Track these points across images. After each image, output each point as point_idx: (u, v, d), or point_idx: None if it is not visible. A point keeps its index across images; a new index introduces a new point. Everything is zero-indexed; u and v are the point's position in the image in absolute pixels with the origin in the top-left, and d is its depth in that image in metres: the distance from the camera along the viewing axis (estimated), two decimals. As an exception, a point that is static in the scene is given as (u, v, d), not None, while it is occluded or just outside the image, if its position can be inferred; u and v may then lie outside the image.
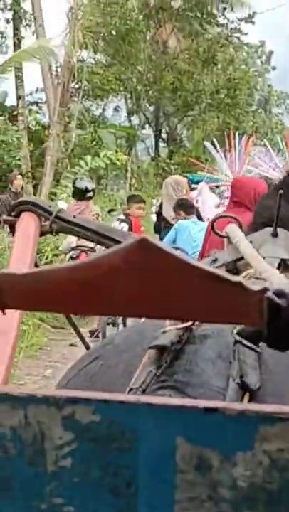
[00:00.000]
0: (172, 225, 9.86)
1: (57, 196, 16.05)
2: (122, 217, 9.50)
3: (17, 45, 23.26)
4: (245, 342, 1.09)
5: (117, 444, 0.62)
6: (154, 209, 11.06)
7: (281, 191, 1.76)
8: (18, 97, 22.66)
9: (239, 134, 12.47)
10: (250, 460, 0.61)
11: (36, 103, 25.66)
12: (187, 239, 7.81)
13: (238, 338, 1.10)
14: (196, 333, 1.14)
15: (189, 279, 0.75)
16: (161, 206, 10.29)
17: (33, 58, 19.09)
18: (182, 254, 0.76)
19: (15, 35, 23.79)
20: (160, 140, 29.18)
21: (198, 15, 26.05)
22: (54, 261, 9.98)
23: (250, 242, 1.72)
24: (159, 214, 10.39)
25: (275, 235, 1.72)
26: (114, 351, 1.24)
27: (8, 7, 23.75)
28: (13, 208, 1.99)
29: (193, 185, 11.76)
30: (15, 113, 22.84)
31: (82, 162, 16.65)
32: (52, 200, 16.73)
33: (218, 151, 11.58)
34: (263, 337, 0.79)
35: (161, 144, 29.35)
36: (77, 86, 23.86)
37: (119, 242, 1.93)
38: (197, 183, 11.45)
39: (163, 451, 0.62)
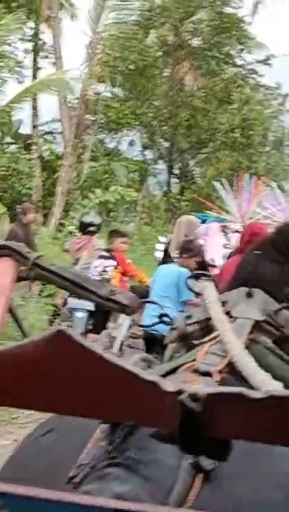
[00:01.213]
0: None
1: (65, 227, 16.08)
2: (105, 253, 9.44)
3: (34, 76, 23.50)
4: None
5: None
6: (158, 246, 10.99)
7: (259, 252, 1.74)
8: (33, 126, 22.82)
9: (250, 176, 12.47)
10: None
11: (51, 133, 25.82)
12: (171, 284, 7.79)
13: None
14: None
15: (103, 375, 0.72)
16: (169, 243, 10.27)
17: (50, 90, 19.24)
18: (98, 348, 0.72)
19: (33, 65, 24.05)
20: (172, 176, 29.24)
21: (216, 55, 26.26)
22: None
23: (225, 301, 1.70)
24: (166, 251, 10.35)
25: (250, 295, 1.69)
26: (69, 423, 1.20)
27: (28, 38, 23.98)
28: (-9, 251, 1.95)
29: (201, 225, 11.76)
30: (29, 142, 23.02)
31: (91, 195, 16.69)
32: (60, 231, 16.80)
33: (226, 191, 11.56)
34: (175, 440, 0.76)
35: (173, 180, 29.40)
36: (92, 118, 24.05)
37: (93, 293, 1.90)
38: (204, 221, 11.42)
39: None
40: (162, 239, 11.23)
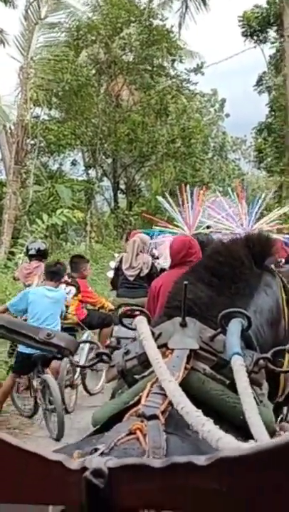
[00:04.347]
0: (129, 280, 9.86)
1: (15, 255, 15.96)
2: (67, 279, 9.42)
3: None
4: None
5: None
6: (112, 264, 11.00)
7: (186, 282, 1.74)
8: (-27, 157, 22.69)
9: (194, 184, 12.53)
10: None
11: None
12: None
13: None
14: None
15: (7, 458, 0.72)
16: (120, 261, 10.28)
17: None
18: (5, 435, 0.72)
19: None
20: (119, 191, 29.32)
21: (149, 67, 26.46)
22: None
23: (160, 334, 1.70)
24: (117, 269, 10.35)
25: (184, 325, 1.69)
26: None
27: None
28: None
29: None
30: None
31: (38, 220, 16.61)
32: (10, 259, 16.66)
33: (170, 205, 11.59)
34: None
35: (120, 195, 29.49)
36: (32, 142, 23.98)
37: (30, 338, 1.87)
38: (152, 237, 11.48)
39: None
40: (116, 255, 11.25)
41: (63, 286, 9.23)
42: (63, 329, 8.17)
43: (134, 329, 1.80)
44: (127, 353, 1.77)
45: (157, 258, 10.83)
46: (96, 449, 1.11)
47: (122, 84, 26.34)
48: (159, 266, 10.19)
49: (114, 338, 6.97)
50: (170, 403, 1.29)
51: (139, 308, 1.87)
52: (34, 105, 23.20)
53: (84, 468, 0.74)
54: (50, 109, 25.16)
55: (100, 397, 9.06)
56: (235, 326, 1.63)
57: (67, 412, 8.42)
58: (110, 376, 1.82)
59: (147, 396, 1.35)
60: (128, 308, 2.02)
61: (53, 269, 8.61)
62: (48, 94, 23.19)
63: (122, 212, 26.86)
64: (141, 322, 1.75)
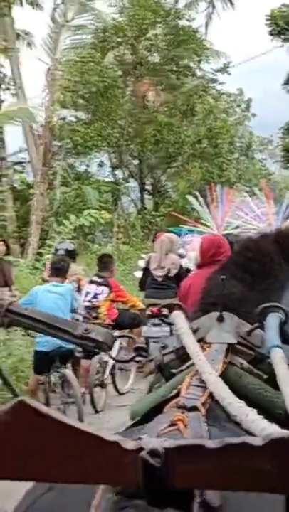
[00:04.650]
0: (157, 281, 9.88)
1: (43, 256, 16.05)
2: (97, 279, 9.45)
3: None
4: None
5: None
6: (141, 263, 11.03)
7: (223, 276, 1.75)
8: (1, 159, 22.80)
9: (221, 185, 12.52)
10: None
11: (20, 163, 25.81)
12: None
13: None
14: None
15: (65, 439, 0.74)
16: (148, 262, 10.31)
17: (13, 121, 19.25)
18: (60, 415, 0.73)
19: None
20: (145, 192, 29.33)
21: (175, 68, 26.44)
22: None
23: (198, 328, 1.71)
24: (145, 269, 10.37)
25: (220, 319, 1.70)
26: None
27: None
28: None
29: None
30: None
31: (66, 221, 16.69)
32: (38, 260, 16.76)
33: (200, 204, 11.60)
34: (142, 495, 0.79)
35: (147, 196, 29.49)
36: (59, 144, 24.09)
37: (68, 333, 1.90)
38: (179, 235, 11.51)
39: None
40: (143, 256, 11.27)
41: (94, 286, 9.28)
42: None
43: (170, 323, 1.80)
44: (164, 347, 1.77)
45: (184, 257, 10.85)
46: (139, 439, 1.13)
47: (148, 85, 26.35)
48: (184, 266, 10.21)
49: (144, 338, 7.03)
50: (210, 395, 1.30)
51: (176, 302, 1.88)
52: (61, 107, 23.31)
53: (140, 449, 0.75)
54: (76, 110, 25.24)
55: (130, 396, 9.09)
56: (273, 320, 1.63)
57: (96, 411, 8.47)
58: (148, 370, 1.84)
59: (187, 388, 1.36)
60: (157, 308, 2.03)
61: (57, 265, 8.74)
62: (74, 95, 23.30)
63: (149, 213, 26.87)
64: (178, 316, 1.76)
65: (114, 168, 28.28)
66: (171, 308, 1.88)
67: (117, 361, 8.64)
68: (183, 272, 9.83)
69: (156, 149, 26.95)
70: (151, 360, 1.83)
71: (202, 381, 1.35)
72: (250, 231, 9.69)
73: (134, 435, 1.18)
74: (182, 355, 1.66)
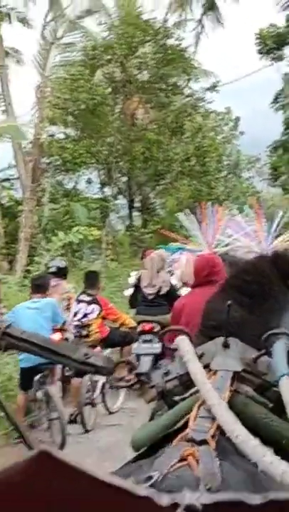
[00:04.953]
0: (148, 299, 9.84)
1: (31, 273, 15.96)
2: (85, 298, 9.38)
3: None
4: None
5: None
6: (131, 280, 10.99)
7: (230, 302, 1.72)
8: (-11, 176, 22.78)
9: (212, 203, 12.51)
10: None
11: (8, 180, 25.73)
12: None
13: None
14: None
15: (93, 493, 0.67)
16: (139, 280, 10.27)
17: (2, 137, 19.24)
18: (85, 466, 0.67)
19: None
20: (134, 209, 29.33)
21: (164, 86, 26.50)
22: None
23: (202, 354, 1.67)
24: (136, 287, 10.33)
25: (226, 345, 1.67)
26: None
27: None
28: None
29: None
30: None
31: (54, 238, 16.63)
32: (26, 277, 16.67)
33: (190, 221, 11.58)
34: None
35: (135, 213, 29.49)
36: (48, 161, 24.07)
37: (68, 358, 1.86)
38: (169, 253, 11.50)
39: None
40: (133, 273, 11.23)
41: (83, 305, 9.22)
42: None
43: (174, 349, 1.76)
44: (167, 373, 1.74)
45: (172, 275, 10.84)
46: (150, 477, 1.09)
47: (138, 103, 26.42)
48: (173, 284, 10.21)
49: (134, 355, 7.02)
50: (218, 427, 1.26)
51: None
52: (50, 124, 23.32)
53: (175, 505, 0.69)
54: (65, 127, 25.25)
55: (120, 415, 9.02)
56: (280, 347, 1.61)
57: (86, 430, 8.40)
58: (149, 397, 1.80)
59: (194, 419, 1.32)
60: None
61: (37, 282, 8.73)
62: (63, 112, 23.31)
63: (137, 230, 26.84)
64: (183, 341, 1.73)
65: (102, 185, 28.27)
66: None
67: (121, 387, 8.60)
68: (174, 290, 9.81)
69: (145, 167, 26.97)
70: (152, 387, 1.79)
71: (210, 411, 1.32)
72: (240, 249, 9.69)
73: (144, 471, 1.15)
74: (186, 382, 1.63)
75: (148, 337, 9.51)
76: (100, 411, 9.10)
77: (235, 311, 1.89)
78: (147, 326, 9.69)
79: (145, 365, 9.07)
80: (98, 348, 8.81)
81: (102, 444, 7.73)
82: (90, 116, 24.11)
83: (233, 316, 1.86)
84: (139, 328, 9.70)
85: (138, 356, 9.38)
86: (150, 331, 9.64)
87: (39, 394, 7.90)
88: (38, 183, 22.01)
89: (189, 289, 10.71)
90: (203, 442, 1.22)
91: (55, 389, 7.90)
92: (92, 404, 8.78)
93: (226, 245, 10.33)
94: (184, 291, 10.44)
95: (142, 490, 0.67)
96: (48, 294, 8.57)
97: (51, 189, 23.66)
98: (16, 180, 24.75)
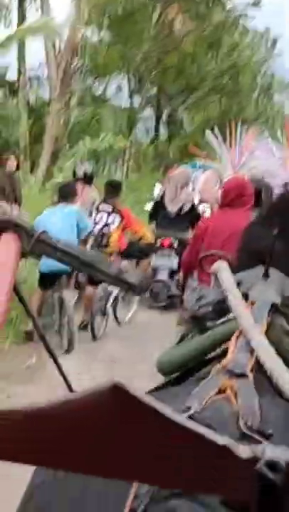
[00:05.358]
0: (170, 215, 9.80)
1: (52, 177, 15.91)
2: (107, 208, 9.30)
3: (21, 20, 22.92)
4: (256, 436, 1.00)
5: None
6: (156, 191, 10.90)
7: (276, 231, 1.67)
8: (20, 72, 22.41)
9: (241, 124, 12.30)
10: None
11: (38, 78, 25.36)
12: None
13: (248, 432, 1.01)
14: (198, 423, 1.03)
15: (167, 436, 0.63)
16: (162, 196, 10.20)
17: (37, 34, 18.87)
18: (161, 404, 0.63)
19: (19, 10, 23.43)
20: (161, 122, 28.93)
21: (205, -4, 25.75)
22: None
23: (240, 281, 1.63)
24: (158, 203, 10.24)
25: (266, 275, 1.62)
26: None
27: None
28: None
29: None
30: (15, 88, 22.66)
31: (80, 143, 16.49)
32: (47, 181, 16.63)
33: (218, 140, 11.42)
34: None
35: (161, 126, 29.11)
36: (80, 63, 23.64)
37: (102, 272, 1.83)
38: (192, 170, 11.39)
39: None
40: (158, 185, 11.12)
41: (103, 214, 9.17)
42: None
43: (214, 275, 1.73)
44: (200, 298, 1.71)
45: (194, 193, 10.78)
46: (188, 407, 1.07)
47: (177, 11, 25.67)
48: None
49: (151, 269, 7.07)
50: (257, 361, 1.24)
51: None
52: (86, 25, 22.79)
53: (255, 459, 0.63)
54: (100, 30, 24.71)
55: (129, 327, 9.10)
56: None
57: (94, 339, 8.50)
58: (181, 320, 1.78)
59: (233, 351, 1.30)
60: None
61: (65, 189, 8.66)
62: (101, 15, 22.77)
63: (162, 144, 26.56)
64: (223, 269, 1.69)
65: (131, 94, 27.81)
66: (181, 242, 1.82)
67: (158, 304, 8.77)
68: (195, 209, 9.77)
69: (176, 79, 26.45)
70: (185, 310, 1.77)
71: (249, 344, 1.29)
72: (266, 173, 9.55)
73: (181, 400, 1.12)
74: (219, 310, 1.60)
75: (166, 252, 9.54)
76: (111, 322, 9.16)
77: (278, 240, 1.85)
78: (166, 242, 9.70)
79: (162, 276, 9.17)
80: (115, 258, 8.85)
81: (110, 354, 7.83)
82: (127, 21, 23.54)
83: (274, 246, 1.82)
84: (158, 243, 9.71)
85: (155, 270, 9.43)
86: (168, 247, 9.67)
87: (53, 297, 8.00)
88: (67, 86, 21.66)
89: (206, 205, 10.70)
90: (243, 375, 1.19)
91: (68, 294, 7.97)
92: (104, 313, 8.84)
93: (252, 168, 10.19)
94: (202, 208, 10.42)
95: (220, 438, 0.63)
96: (75, 202, 8.53)
97: (80, 93, 23.32)
98: (45, 80, 24.38)
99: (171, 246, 9.68)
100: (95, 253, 1.91)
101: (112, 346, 8.24)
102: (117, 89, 28.13)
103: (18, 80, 23.08)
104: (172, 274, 9.46)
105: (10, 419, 0.64)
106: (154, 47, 25.36)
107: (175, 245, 9.65)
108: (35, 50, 23.11)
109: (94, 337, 8.49)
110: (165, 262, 9.40)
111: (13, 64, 23.70)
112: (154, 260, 9.49)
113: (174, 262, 9.28)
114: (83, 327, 8.62)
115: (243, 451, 0.64)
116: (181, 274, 7.09)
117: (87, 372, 6.89)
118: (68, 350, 7.65)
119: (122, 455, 0.64)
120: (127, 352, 7.79)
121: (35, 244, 1.86)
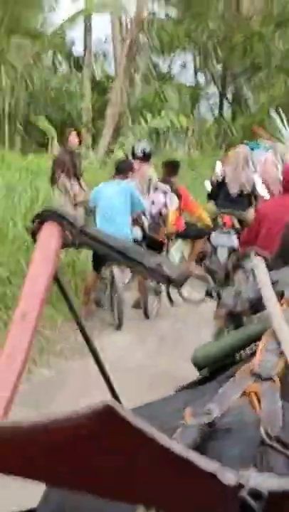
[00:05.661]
0: (231, 195, 9.71)
1: (113, 153, 15.93)
2: (165, 188, 9.25)
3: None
4: (274, 445, 0.98)
5: None
6: (218, 169, 10.76)
7: None
8: (85, 47, 22.43)
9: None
10: None
11: (103, 54, 25.38)
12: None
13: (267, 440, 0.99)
14: (218, 427, 1.03)
15: (156, 459, 0.64)
16: (224, 176, 10.08)
17: (104, 10, 18.85)
18: (152, 429, 0.62)
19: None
20: (225, 100, 28.61)
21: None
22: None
23: (277, 280, 1.61)
24: (220, 182, 10.12)
25: None
26: None
27: None
28: (37, 215, 1.88)
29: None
30: (80, 63, 22.71)
31: (142, 120, 16.45)
32: (108, 156, 16.64)
33: (283, 122, 11.27)
34: None
35: (225, 105, 28.78)
36: (145, 40, 23.54)
37: (140, 264, 1.82)
38: (252, 150, 11.19)
39: None
40: (219, 163, 11.01)
41: (161, 194, 9.14)
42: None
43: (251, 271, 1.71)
44: (238, 294, 1.69)
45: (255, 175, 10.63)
46: (209, 411, 1.06)
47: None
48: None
49: (211, 247, 6.94)
50: (285, 364, 1.22)
51: (257, 249, 1.78)
52: (153, 1, 22.69)
53: (240, 486, 0.65)
54: (167, 5, 24.53)
55: (182, 307, 9.06)
56: None
57: (147, 318, 8.53)
58: (218, 315, 1.77)
59: (262, 353, 1.28)
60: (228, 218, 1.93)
61: (122, 165, 8.75)
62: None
63: (226, 122, 26.30)
64: (259, 267, 1.67)
65: (196, 71, 27.57)
66: (241, 222, 1.80)
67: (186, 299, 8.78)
68: (255, 189, 9.66)
69: (242, 57, 26.10)
70: (223, 306, 1.75)
71: (279, 345, 1.28)
72: None
73: (205, 401, 1.12)
74: (256, 309, 1.58)
75: (226, 230, 9.46)
76: (164, 301, 9.15)
77: None
78: (228, 220, 9.62)
79: (222, 256, 9.11)
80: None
81: (162, 333, 7.86)
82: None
83: None
84: (219, 220, 9.65)
85: (215, 248, 9.35)
86: (230, 225, 9.58)
87: (106, 273, 8.11)
88: (132, 62, 21.60)
89: (264, 187, 10.57)
90: (269, 379, 1.18)
91: (119, 273, 8.03)
92: (157, 292, 8.84)
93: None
94: (260, 189, 10.29)
95: (206, 463, 0.63)
96: (129, 177, 8.61)
97: (145, 70, 23.23)
98: (110, 55, 24.39)
99: (232, 225, 9.61)
100: (132, 244, 1.89)
101: (163, 325, 8.27)
102: (182, 66, 27.93)
103: (84, 54, 23.12)
104: (231, 253, 9.39)
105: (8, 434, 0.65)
106: (221, 25, 25.08)
107: (236, 224, 9.58)
108: (102, 25, 23.10)
109: (146, 316, 8.52)
110: (225, 241, 9.32)
111: (80, 39, 23.78)
112: (214, 238, 9.42)
113: (234, 241, 9.20)
114: (136, 305, 8.67)
115: (229, 478, 0.65)
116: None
117: (136, 350, 6.97)
118: (119, 326, 7.78)
119: (111, 476, 0.65)
120: (176, 332, 7.81)
121: (77, 236, 1.86)
